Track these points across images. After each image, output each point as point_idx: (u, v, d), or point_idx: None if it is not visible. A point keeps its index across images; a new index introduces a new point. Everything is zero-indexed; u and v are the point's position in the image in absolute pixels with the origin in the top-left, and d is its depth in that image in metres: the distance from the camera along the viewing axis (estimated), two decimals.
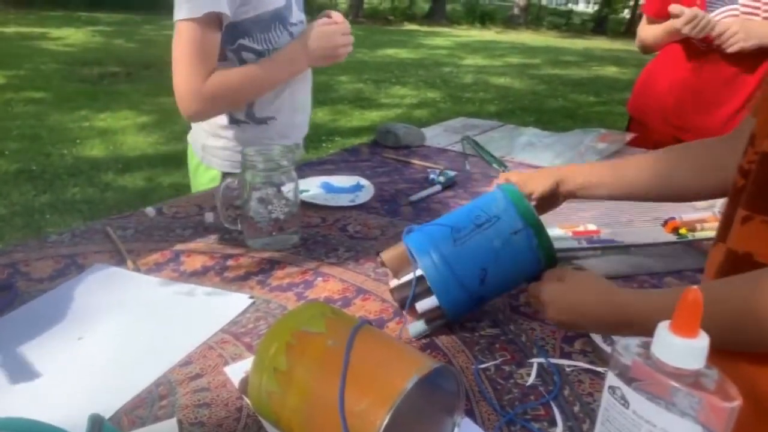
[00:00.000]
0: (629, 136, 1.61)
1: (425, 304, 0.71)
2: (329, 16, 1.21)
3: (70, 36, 9.77)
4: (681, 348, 0.39)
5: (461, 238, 0.71)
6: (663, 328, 0.40)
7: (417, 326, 0.72)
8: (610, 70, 9.49)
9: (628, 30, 16.41)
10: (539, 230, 0.71)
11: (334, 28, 1.18)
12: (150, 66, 6.98)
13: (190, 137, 1.34)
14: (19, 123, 4.75)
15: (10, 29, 10.03)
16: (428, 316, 0.72)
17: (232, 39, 1.16)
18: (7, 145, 4.16)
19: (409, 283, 0.73)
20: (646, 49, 1.73)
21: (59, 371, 0.63)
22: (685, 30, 1.45)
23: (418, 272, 0.71)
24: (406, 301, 0.72)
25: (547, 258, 0.71)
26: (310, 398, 0.48)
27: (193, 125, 1.31)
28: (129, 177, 3.64)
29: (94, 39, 9.64)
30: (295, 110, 1.31)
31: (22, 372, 0.63)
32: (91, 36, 9.91)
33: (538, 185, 0.82)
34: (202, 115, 1.18)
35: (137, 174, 3.67)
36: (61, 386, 0.61)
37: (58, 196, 3.35)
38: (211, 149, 1.29)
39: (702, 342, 0.39)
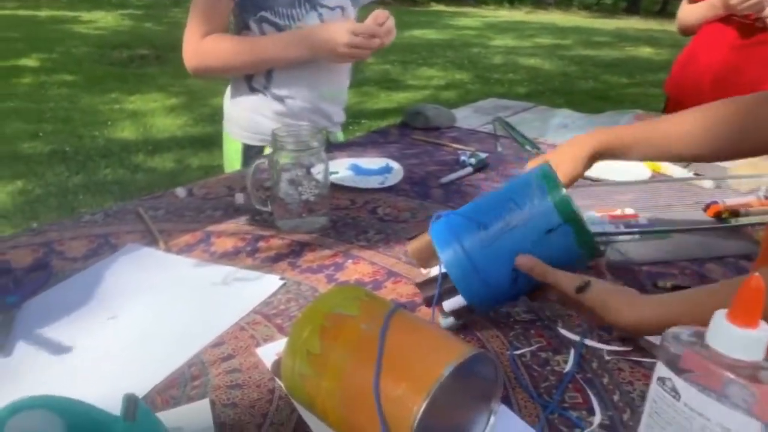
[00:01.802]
0: None
1: (452, 303, 0.67)
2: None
3: (101, 19, 9.88)
4: (739, 338, 0.36)
5: (489, 238, 0.63)
6: (720, 317, 0.37)
7: (447, 321, 0.70)
8: (644, 51, 9.22)
9: (663, 9, 15.90)
10: (578, 226, 0.63)
11: (346, 26, 1.13)
12: (178, 48, 6.96)
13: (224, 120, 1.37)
14: (52, 105, 4.84)
15: (43, 13, 10.19)
16: (457, 314, 0.68)
17: (255, 9, 1.17)
18: (41, 127, 4.25)
19: (434, 279, 0.68)
20: (687, 30, 1.67)
21: (93, 350, 0.64)
22: (734, 1, 1.39)
23: (444, 269, 0.66)
24: (432, 300, 0.67)
25: (589, 254, 0.64)
26: (344, 382, 0.47)
27: (225, 98, 1.33)
28: (158, 158, 3.68)
29: (124, 22, 9.75)
30: (319, 97, 1.29)
31: (58, 349, 0.64)
32: (120, 19, 10.02)
33: (575, 167, 0.79)
34: (198, 71, 1.21)
35: (166, 155, 3.71)
36: (95, 365, 0.62)
37: (90, 177, 3.41)
38: (231, 117, 1.32)
39: (763, 333, 0.36)
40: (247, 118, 1.29)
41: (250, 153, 1.30)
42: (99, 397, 0.49)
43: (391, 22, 1.18)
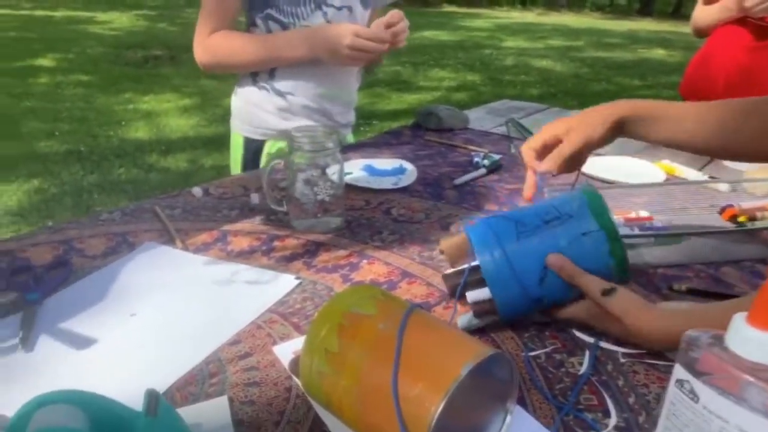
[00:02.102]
0: None
1: (477, 294, 0.68)
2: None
3: (116, 20, 9.98)
4: (759, 341, 0.37)
5: (525, 232, 0.66)
6: (740, 320, 0.37)
7: (466, 318, 0.70)
8: (657, 53, 9.16)
9: (676, 11, 15.78)
10: (614, 236, 0.64)
11: (350, 27, 1.13)
12: (192, 49, 7.07)
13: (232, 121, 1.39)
14: (68, 105, 4.90)
15: (59, 13, 10.31)
16: (479, 308, 0.69)
17: (261, 7, 1.19)
18: (57, 126, 4.30)
19: (461, 271, 0.70)
20: (701, 32, 1.66)
21: (113, 346, 0.65)
22: (749, 4, 1.38)
23: (474, 262, 0.68)
24: (457, 288, 0.69)
25: (619, 268, 0.65)
26: (362, 381, 0.47)
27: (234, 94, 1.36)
28: (172, 159, 3.71)
29: (139, 23, 9.83)
30: (321, 96, 1.29)
31: (79, 344, 0.65)
32: (135, 20, 10.11)
33: (603, 129, 0.76)
34: (208, 66, 1.24)
35: (180, 156, 3.74)
36: (116, 361, 0.62)
37: (105, 177, 3.45)
38: (235, 110, 1.34)
39: None
40: (249, 111, 1.31)
41: (251, 147, 1.32)
42: (120, 393, 0.50)
43: (404, 23, 1.18)
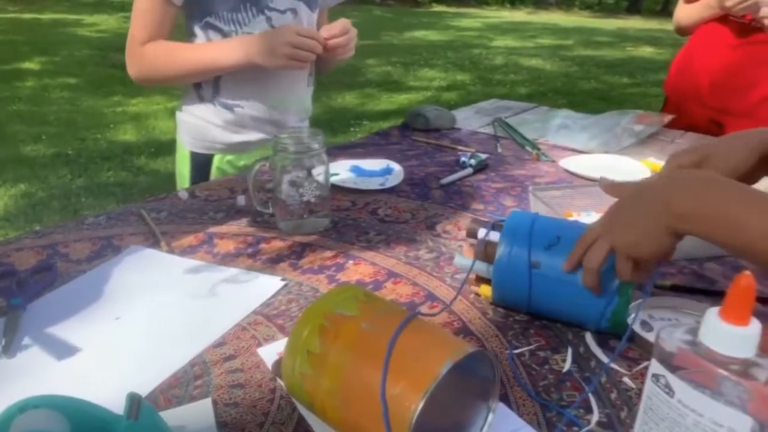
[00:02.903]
0: (667, 118, 1.56)
1: (487, 235, 0.72)
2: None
3: (103, 22, 9.92)
4: (731, 335, 0.37)
5: (557, 246, 0.68)
6: (712, 314, 0.38)
7: (463, 259, 0.74)
8: (646, 51, 9.22)
9: (665, 9, 15.90)
10: (626, 290, 0.65)
11: (292, 27, 1.07)
12: None
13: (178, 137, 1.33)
14: (55, 108, 4.86)
15: (46, 16, 10.24)
16: (480, 250, 0.73)
17: (200, 15, 1.13)
18: (44, 130, 4.27)
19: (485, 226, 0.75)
20: (683, 30, 1.67)
21: (97, 351, 0.65)
22: (729, 3, 1.39)
23: (493, 235, 0.72)
24: (475, 233, 0.74)
25: (615, 317, 0.66)
26: (344, 381, 0.47)
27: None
28: (161, 161, 3.70)
29: (126, 25, 9.75)
30: (269, 106, 1.23)
31: (63, 350, 0.65)
32: (122, 22, 10.04)
33: (746, 156, 0.64)
34: (138, 76, 1.16)
35: (169, 158, 3.72)
36: (99, 366, 0.62)
37: (93, 180, 3.43)
38: (182, 125, 1.27)
39: (753, 330, 0.37)
40: (195, 125, 1.24)
41: (199, 161, 1.26)
42: (103, 397, 0.50)
43: (350, 35, 1.12)
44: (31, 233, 0.92)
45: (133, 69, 1.16)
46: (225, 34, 1.14)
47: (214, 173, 1.27)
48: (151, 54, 1.13)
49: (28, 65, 6.43)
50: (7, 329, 0.66)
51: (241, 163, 1.27)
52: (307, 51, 1.07)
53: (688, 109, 1.63)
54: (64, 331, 0.68)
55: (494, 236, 0.72)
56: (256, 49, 1.08)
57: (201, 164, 1.27)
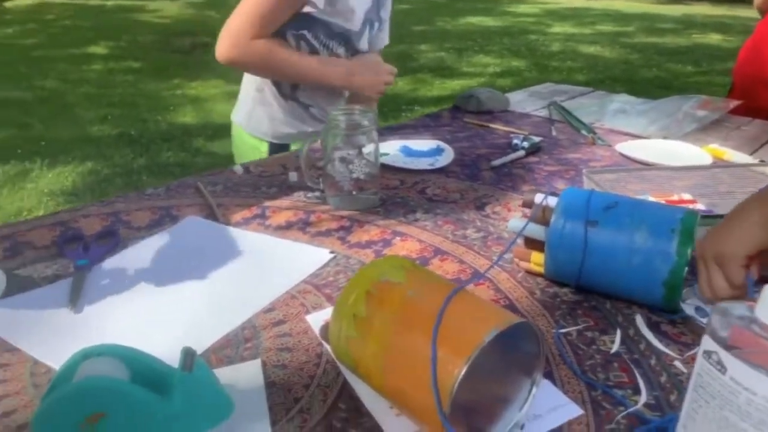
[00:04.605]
0: (733, 104, 1.49)
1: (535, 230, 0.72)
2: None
3: (165, 8, 10.21)
4: None
5: (607, 220, 0.68)
6: None
7: (519, 222, 0.74)
8: (713, 38, 8.77)
9: None
10: (681, 267, 0.64)
11: (386, 66, 1.26)
12: None
13: (233, 114, 1.42)
14: (120, 91, 5.06)
15: (111, 2, 10.62)
16: (537, 213, 0.73)
17: (297, 26, 1.20)
18: (110, 111, 4.46)
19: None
20: (763, 6, 1.58)
21: (155, 310, 0.68)
22: None
23: (552, 200, 0.73)
24: (531, 202, 0.75)
25: (669, 296, 0.66)
26: (388, 346, 0.48)
27: (242, 96, 1.38)
28: (218, 143, 3.80)
29: (187, 11, 10.04)
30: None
31: (123, 307, 0.68)
32: (184, 8, 10.32)
33: None
34: (234, 64, 1.22)
35: (225, 140, 3.81)
36: (157, 323, 0.66)
37: (154, 159, 3.56)
38: (257, 117, 1.34)
39: None
40: (276, 118, 1.32)
41: (276, 151, 1.34)
42: (159, 351, 0.53)
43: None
44: (97, 202, 0.96)
45: (230, 53, 1.20)
46: (313, 50, 1.23)
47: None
48: (262, 50, 1.19)
49: (94, 50, 6.71)
50: (74, 287, 0.70)
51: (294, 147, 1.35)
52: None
53: (755, 94, 1.55)
54: (125, 290, 0.71)
55: (552, 202, 0.73)
56: (360, 79, 1.25)
57: (255, 149, 1.35)
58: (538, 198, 0.75)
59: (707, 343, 0.40)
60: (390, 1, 1.35)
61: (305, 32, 1.21)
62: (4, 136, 3.87)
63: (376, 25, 1.31)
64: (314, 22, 1.19)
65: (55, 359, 0.57)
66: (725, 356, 0.38)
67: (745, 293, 0.57)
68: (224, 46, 1.19)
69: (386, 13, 1.35)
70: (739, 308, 0.39)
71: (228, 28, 1.19)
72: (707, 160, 1.16)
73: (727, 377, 0.38)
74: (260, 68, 1.24)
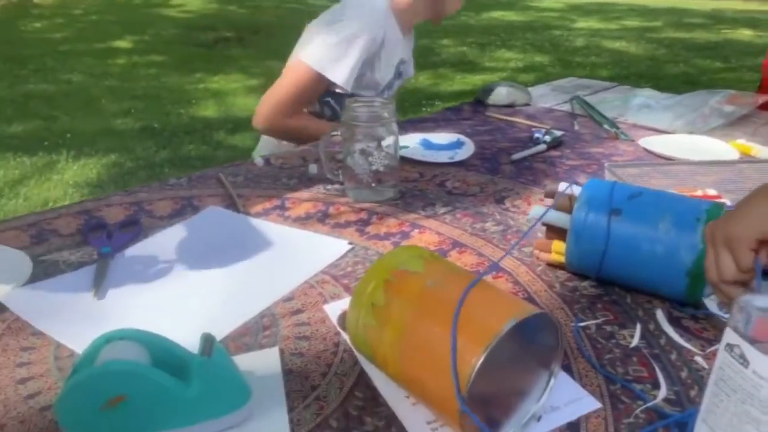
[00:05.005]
0: (762, 99, 1.45)
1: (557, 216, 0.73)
2: None
3: (188, 3, 10.30)
4: None
5: (631, 210, 0.68)
6: None
7: (540, 209, 0.74)
8: (744, 34, 8.56)
9: None
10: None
11: None
12: (259, 31, 7.23)
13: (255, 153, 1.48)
14: (143, 84, 5.12)
15: None
16: (562, 202, 0.73)
17: (324, 95, 1.34)
18: (133, 104, 4.52)
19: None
20: None
21: (176, 297, 0.69)
22: None
23: (576, 189, 0.73)
24: (554, 192, 0.75)
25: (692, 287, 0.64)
26: (406, 334, 0.48)
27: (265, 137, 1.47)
28: (239, 136, 3.82)
29: (210, 5, 10.11)
30: None
31: (145, 294, 0.69)
32: (207, 3, 10.39)
33: None
34: (267, 133, 1.38)
35: (246, 134, 3.84)
36: (177, 310, 0.67)
37: (176, 152, 3.60)
38: (284, 147, 1.41)
39: None
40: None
41: None
42: (179, 337, 0.53)
43: None
44: (120, 192, 0.98)
45: (265, 128, 1.34)
46: (334, 113, 1.35)
47: None
48: (295, 126, 1.32)
49: (119, 44, 6.79)
50: (98, 274, 0.72)
51: None
52: None
53: None
54: (147, 278, 0.73)
55: (576, 191, 0.73)
56: None
57: None
58: (562, 186, 0.74)
59: (730, 336, 0.39)
60: (412, 65, 1.45)
61: (330, 99, 1.34)
62: (32, 128, 3.95)
63: (397, 82, 1.43)
64: (342, 95, 1.30)
65: (78, 343, 0.58)
66: (748, 349, 0.38)
67: (752, 278, 0.55)
68: (260, 120, 1.33)
69: (410, 67, 1.46)
70: (761, 300, 0.39)
71: (266, 105, 1.31)
72: (734, 155, 1.14)
73: (749, 371, 0.38)
74: (293, 140, 1.35)
